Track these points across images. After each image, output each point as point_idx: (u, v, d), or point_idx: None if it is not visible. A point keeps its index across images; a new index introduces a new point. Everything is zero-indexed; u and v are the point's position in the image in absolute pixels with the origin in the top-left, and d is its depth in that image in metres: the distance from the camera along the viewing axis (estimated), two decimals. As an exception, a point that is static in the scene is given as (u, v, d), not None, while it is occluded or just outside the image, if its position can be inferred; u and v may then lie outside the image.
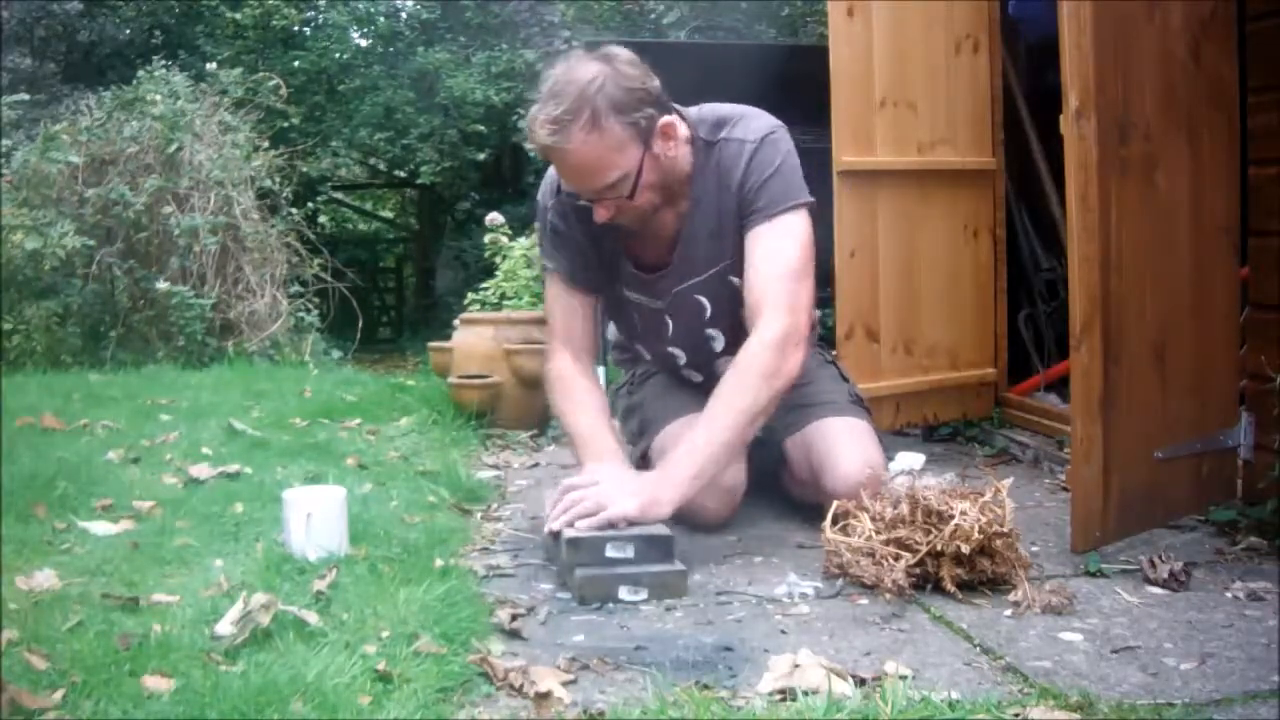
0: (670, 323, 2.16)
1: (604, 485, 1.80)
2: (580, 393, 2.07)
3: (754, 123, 2.03)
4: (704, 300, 2.11)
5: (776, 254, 1.96)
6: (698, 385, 2.22)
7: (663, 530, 1.74)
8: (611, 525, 1.73)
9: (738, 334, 2.13)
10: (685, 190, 2.05)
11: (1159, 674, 1.35)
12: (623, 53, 1.92)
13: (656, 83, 1.92)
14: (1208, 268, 2.03)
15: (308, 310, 5.48)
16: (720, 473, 1.92)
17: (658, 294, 2.14)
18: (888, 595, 1.63)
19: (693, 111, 2.06)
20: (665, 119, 1.92)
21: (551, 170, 2.06)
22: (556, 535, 1.76)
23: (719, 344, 2.17)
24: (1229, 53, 2.05)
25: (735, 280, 2.06)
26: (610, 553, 1.69)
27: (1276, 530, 1.91)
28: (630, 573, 1.66)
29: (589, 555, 1.69)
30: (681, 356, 2.22)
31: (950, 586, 1.64)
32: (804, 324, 1.94)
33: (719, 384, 1.91)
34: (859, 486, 1.84)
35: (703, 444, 1.85)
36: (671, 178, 1.99)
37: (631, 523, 1.74)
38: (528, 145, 1.89)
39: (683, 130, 2.02)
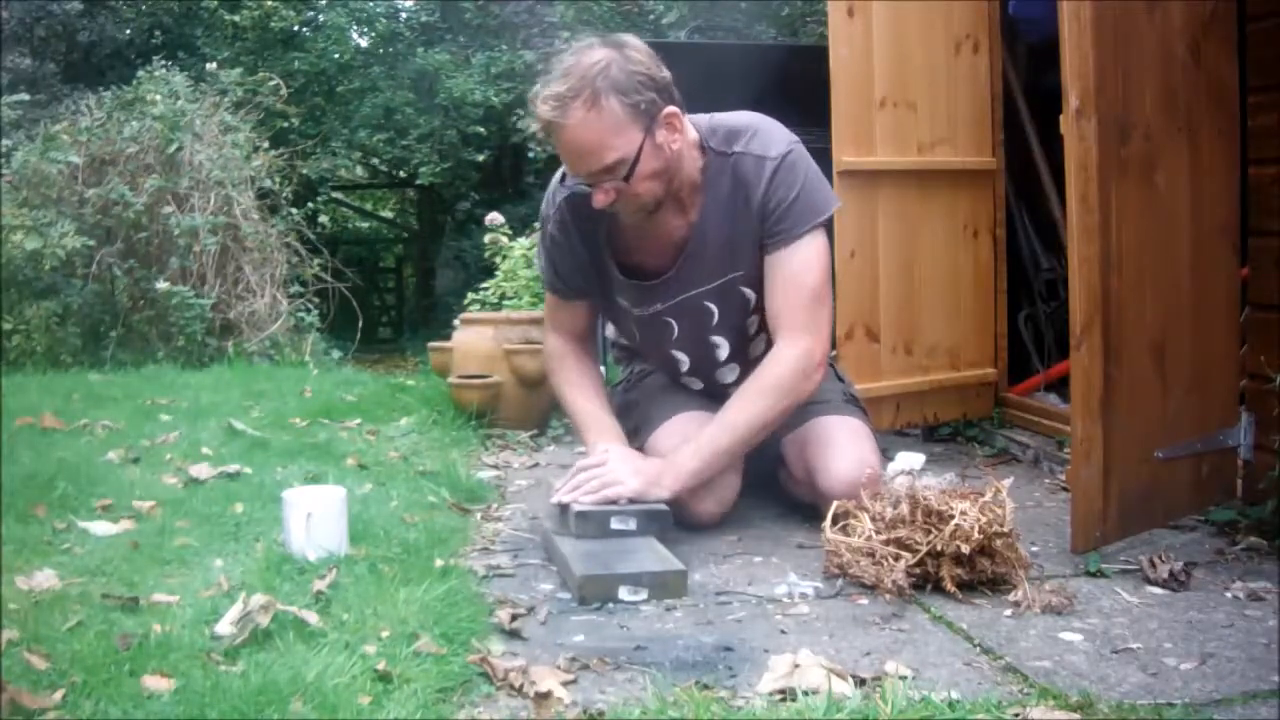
0: (675, 326, 2.15)
1: (611, 464, 1.94)
2: (578, 374, 2.19)
3: (771, 138, 2.02)
4: (712, 306, 2.11)
5: (798, 277, 2.00)
6: (696, 391, 2.23)
7: (662, 506, 1.90)
8: (614, 502, 1.88)
9: (742, 344, 2.15)
10: (695, 198, 2.05)
11: (1159, 674, 1.35)
12: (634, 41, 1.94)
13: (666, 74, 1.93)
14: (1208, 268, 2.03)
15: (308, 310, 5.48)
16: (719, 476, 2.02)
17: (655, 299, 2.12)
18: (888, 595, 1.63)
19: (703, 121, 2.05)
20: (669, 109, 1.92)
21: (554, 181, 2.07)
22: (564, 508, 1.91)
23: (723, 352, 2.17)
24: (1229, 53, 2.05)
25: (748, 291, 2.09)
26: (614, 525, 1.86)
27: (1276, 530, 1.91)
28: (630, 573, 1.67)
29: (595, 528, 1.86)
30: (684, 362, 2.22)
31: (950, 586, 1.64)
32: (824, 348, 2.01)
33: (737, 391, 2.01)
34: (853, 485, 1.87)
35: (709, 445, 1.98)
36: (676, 174, 1.99)
37: (632, 500, 1.89)
38: (533, 126, 1.91)
39: (691, 131, 2.01)
